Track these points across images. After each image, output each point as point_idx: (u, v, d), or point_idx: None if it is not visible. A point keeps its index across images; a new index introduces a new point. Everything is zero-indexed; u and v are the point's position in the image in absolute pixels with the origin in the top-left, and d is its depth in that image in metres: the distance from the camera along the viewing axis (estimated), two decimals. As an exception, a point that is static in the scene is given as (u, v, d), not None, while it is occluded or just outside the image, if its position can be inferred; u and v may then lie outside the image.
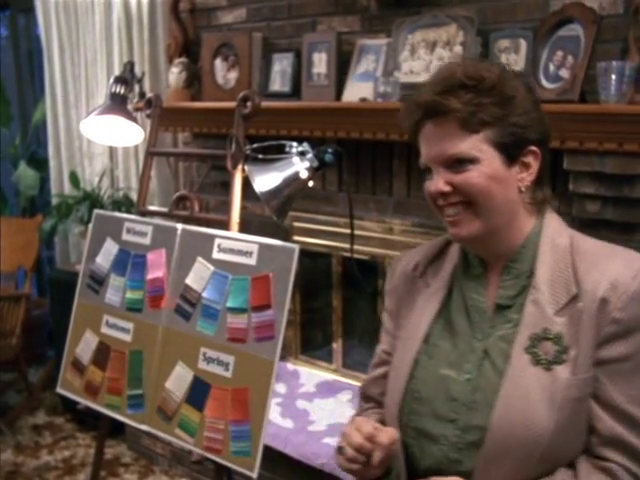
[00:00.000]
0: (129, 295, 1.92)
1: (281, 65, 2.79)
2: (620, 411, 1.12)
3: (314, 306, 3.10)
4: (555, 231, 1.21)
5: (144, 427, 1.82)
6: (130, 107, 2.60)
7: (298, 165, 1.67)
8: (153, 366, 1.81)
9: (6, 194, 4.45)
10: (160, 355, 1.81)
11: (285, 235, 2.86)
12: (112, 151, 3.70)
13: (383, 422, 1.29)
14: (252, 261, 1.68)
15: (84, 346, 1.98)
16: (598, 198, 2.02)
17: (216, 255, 1.75)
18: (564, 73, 2.05)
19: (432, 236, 2.52)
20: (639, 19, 1.95)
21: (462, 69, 1.16)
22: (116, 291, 1.95)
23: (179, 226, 1.86)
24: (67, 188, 3.91)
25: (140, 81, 3.07)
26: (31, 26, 4.46)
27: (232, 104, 1.86)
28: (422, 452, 1.22)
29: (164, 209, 2.11)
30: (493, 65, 1.21)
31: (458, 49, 2.28)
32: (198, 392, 1.71)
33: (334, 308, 2.98)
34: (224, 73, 2.92)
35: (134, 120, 2.44)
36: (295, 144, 1.70)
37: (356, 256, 1.85)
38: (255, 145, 1.78)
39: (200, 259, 1.77)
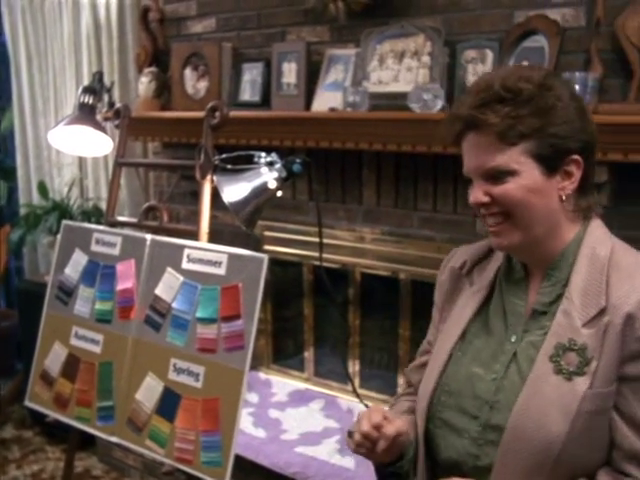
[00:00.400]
0: (98, 306, 1.90)
1: (251, 75, 2.80)
2: None
3: (286, 315, 3.10)
4: (597, 240, 1.19)
5: (114, 439, 1.80)
6: (99, 117, 2.58)
7: (266, 175, 1.68)
8: (123, 377, 1.80)
9: (-27, 204, 4.39)
10: (130, 366, 1.80)
11: (256, 244, 2.87)
12: (81, 161, 3.67)
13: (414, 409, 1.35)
14: (221, 271, 1.68)
15: (53, 358, 1.96)
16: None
17: (185, 265, 1.75)
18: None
19: (403, 244, 2.56)
20: (601, 31, 2.00)
21: (500, 81, 1.14)
22: (85, 302, 1.94)
23: (148, 237, 1.86)
24: (36, 198, 3.87)
25: (109, 91, 3.06)
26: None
27: (202, 114, 1.86)
28: (445, 443, 1.26)
29: (133, 220, 2.11)
30: (535, 70, 1.18)
31: (426, 59, 2.31)
32: (168, 403, 1.70)
33: (305, 317, 2.98)
34: (194, 83, 2.93)
35: (103, 130, 2.43)
36: (264, 154, 1.70)
37: (327, 265, 1.86)
38: (224, 155, 1.78)
39: (169, 269, 1.77)
